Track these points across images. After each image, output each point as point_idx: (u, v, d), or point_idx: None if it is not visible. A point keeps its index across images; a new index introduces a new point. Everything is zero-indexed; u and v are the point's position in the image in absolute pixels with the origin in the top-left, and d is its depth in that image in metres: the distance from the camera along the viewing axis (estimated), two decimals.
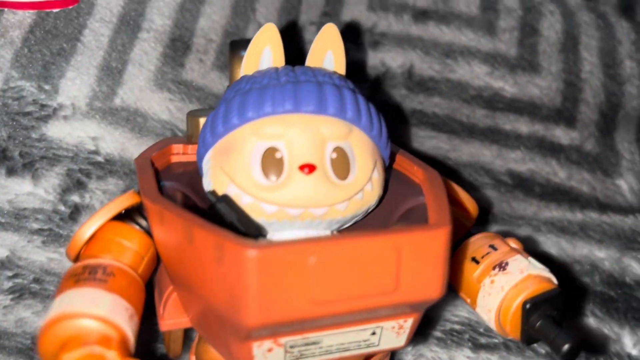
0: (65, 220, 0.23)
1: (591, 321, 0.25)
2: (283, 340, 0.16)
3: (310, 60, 0.19)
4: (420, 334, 0.24)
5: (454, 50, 0.31)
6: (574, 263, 0.27)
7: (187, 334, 0.21)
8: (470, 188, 0.28)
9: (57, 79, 0.25)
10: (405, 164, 0.20)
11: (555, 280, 0.18)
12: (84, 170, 0.24)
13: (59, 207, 0.23)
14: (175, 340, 0.20)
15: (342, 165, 0.17)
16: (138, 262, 0.17)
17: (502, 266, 0.19)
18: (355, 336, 0.17)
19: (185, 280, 0.17)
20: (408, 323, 0.17)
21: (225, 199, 0.17)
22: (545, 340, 0.17)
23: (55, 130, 0.24)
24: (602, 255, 0.27)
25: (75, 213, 0.23)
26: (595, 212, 0.28)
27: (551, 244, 0.27)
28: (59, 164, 0.24)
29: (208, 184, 0.18)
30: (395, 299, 0.16)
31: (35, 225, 0.22)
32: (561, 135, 0.30)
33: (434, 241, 0.15)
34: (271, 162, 0.17)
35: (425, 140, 0.28)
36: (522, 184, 0.28)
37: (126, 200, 0.18)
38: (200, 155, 0.18)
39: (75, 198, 0.23)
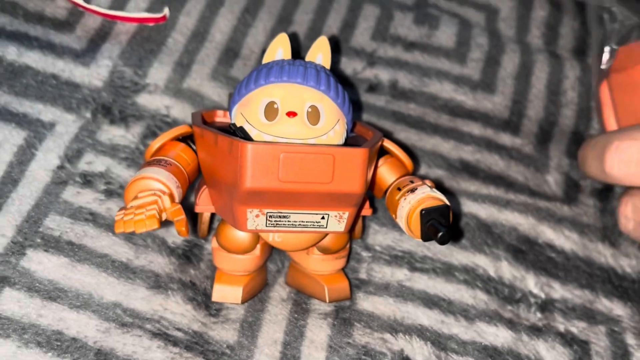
0: (142, 154, 0.34)
1: (504, 264, 0.34)
2: (265, 210, 0.27)
3: (308, 58, 0.30)
4: (373, 258, 0.33)
5: (430, 72, 0.41)
6: (496, 223, 0.36)
7: (211, 225, 0.32)
8: (429, 167, 0.38)
9: (146, 68, 0.37)
10: (364, 130, 0.30)
11: (447, 202, 0.28)
12: (158, 125, 0.35)
13: (139, 146, 0.34)
14: (204, 222, 0.31)
15: (314, 116, 0.28)
16: (185, 164, 0.28)
17: (412, 190, 0.28)
18: (311, 217, 0.27)
19: (212, 170, 0.27)
20: (345, 215, 0.27)
21: (241, 128, 0.28)
22: (433, 234, 0.27)
23: (142, 99, 0.36)
24: (522, 221, 0.36)
25: None
26: (526, 196, 0.37)
27: (483, 210, 0.36)
28: (142, 120, 0.35)
29: (232, 122, 0.29)
30: (332, 188, 0.26)
31: (122, 155, 0.34)
32: (506, 139, 0.39)
33: (354, 155, 0.26)
34: (270, 110, 0.28)
35: (401, 132, 0.39)
36: (469, 169, 0.38)
37: (182, 128, 0.29)
38: (230, 108, 0.30)
39: (149, 141, 0.35)
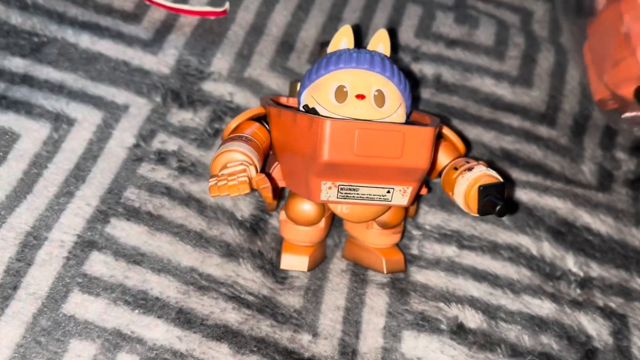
0: (210, 136, 0.37)
1: (545, 244, 0.37)
2: (337, 182, 0.29)
3: (369, 48, 0.33)
4: (424, 236, 0.36)
5: (471, 67, 0.44)
6: (537, 207, 0.38)
7: (279, 202, 0.34)
8: (471, 156, 0.40)
9: (210, 57, 0.40)
10: (420, 117, 0.33)
11: (501, 179, 0.31)
12: (223, 110, 0.38)
13: (207, 129, 0.37)
14: (275, 196, 0.33)
15: (380, 99, 0.30)
16: (261, 141, 0.31)
17: (470, 169, 0.31)
18: (377, 191, 0.30)
19: (287, 146, 0.30)
20: (409, 190, 0.30)
21: (313, 109, 0.30)
22: (490, 208, 0.29)
23: (208, 86, 0.39)
24: (561, 205, 0.38)
25: (216, 134, 0.37)
26: (562, 183, 0.40)
27: (524, 194, 0.39)
28: (209, 105, 0.38)
29: (303, 104, 0.31)
30: (400, 163, 0.28)
31: (192, 136, 0.36)
32: (543, 131, 0.42)
33: (422, 134, 0.28)
34: (340, 93, 0.30)
35: (444, 122, 0.41)
36: (510, 157, 0.40)
37: (257, 110, 0.32)
38: (300, 92, 0.32)
39: (216, 125, 0.37)
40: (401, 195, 0.30)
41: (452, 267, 0.34)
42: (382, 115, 0.30)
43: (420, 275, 0.34)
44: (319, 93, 0.30)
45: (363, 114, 0.30)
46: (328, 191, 0.29)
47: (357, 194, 0.30)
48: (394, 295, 0.33)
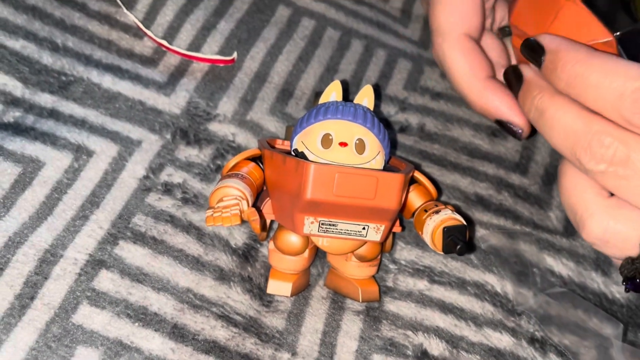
0: (212, 171, 0.41)
1: (509, 283, 0.40)
2: (319, 218, 0.33)
3: (356, 100, 0.38)
4: (399, 270, 0.40)
5: (453, 118, 0.48)
6: (504, 249, 0.42)
7: (269, 233, 0.39)
8: (448, 199, 0.44)
9: (217, 101, 0.45)
10: (398, 163, 0.37)
11: (464, 222, 0.34)
12: (225, 149, 0.42)
13: (210, 165, 0.41)
14: (264, 228, 0.37)
15: (360, 147, 0.35)
16: (255, 178, 0.35)
17: (437, 212, 0.35)
18: (354, 227, 0.34)
19: (277, 185, 0.34)
20: (382, 227, 0.34)
21: (302, 153, 0.35)
22: (452, 247, 0.33)
23: (213, 126, 0.43)
24: (526, 249, 0.42)
25: (217, 169, 0.41)
26: (530, 228, 0.44)
27: (493, 237, 0.42)
28: (213, 144, 0.42)
29: (294, 148, 0.36)
30: (374, 204, 0.32)
31: (196, 170, 0.41)
32: (515, 179, 0.46)
33: (394, 179, 0.32)
34: (326, 140, 0.35)
35: (426, 167, 0.45)
36: (483, 202, 0.44)
37: (253, 151, 0.36)
38: (292, 137, 0.37)
39: (218, 162, 0.42)
40: (375, 232, 0.34)
41: (422, 300, 0.38)
42: (362, 161, 0.34)
43: (392, 305, 0.38)
44: (308, 139, 0.35)
45: (345, 159, 0.34)
46: (310, 225, 0.33)
47: (336, 229, 0.34)
48: (367, 322, 0.36)
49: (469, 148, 0.47)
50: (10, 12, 0.44)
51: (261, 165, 0.36)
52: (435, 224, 0.34)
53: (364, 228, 0.34)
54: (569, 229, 0.44)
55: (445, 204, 0.36)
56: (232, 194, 0.32)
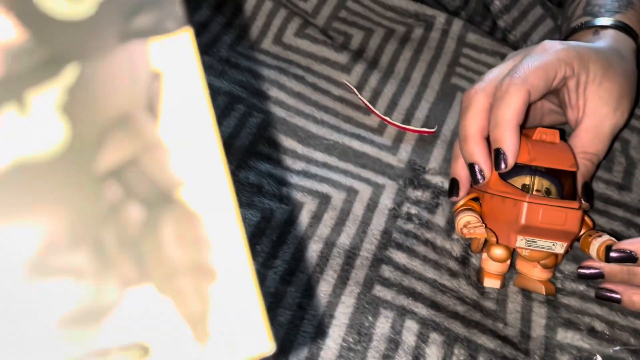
0: (433, 207, 0.62)
1: None
2: (526, 237, 0.53)
3: None
4: (564, 276, 0.59)
5: None
6: None
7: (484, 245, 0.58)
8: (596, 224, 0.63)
9: (427, 159, 0.66)
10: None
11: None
12: (438, 192, 0.63)
13: (431, 202, 0.62)
14: (480, 243, 0.57)
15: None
16: (477, 211, 0.55)
17: (600, 236, 0.54)
18: (548, 244, 0.53)
19: (495, 215, 0.54)
20: (565, 245, 0.53)
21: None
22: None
23: (428, 177, 0.64)
24: None
25: (436, 206, 0.62)
26: None
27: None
28: (430, 188, 0.63)
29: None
30: (563, 228, 0.52)
31: (423, 206, 0.62)
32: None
33: (577, 214, 0.52)
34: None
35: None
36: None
37: (473, 194, 0.57)
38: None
39: (436, 200, 0.62)
40: (561, 247, 0.53)
41: (583, 296, 0.57)
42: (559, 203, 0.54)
43: (564, 299, 0.56)
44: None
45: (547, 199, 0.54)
46: (520, 241, 0.53)
47: (536, 244, 0.53)
48: (549, 308, 0.55)
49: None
50: (286, 97, 0.67)
51: (479, 202, 0.56)
52: (599, 244, 0.53)
53: (553, 244, 0.53)
54: None
55: (603, 231, 0.55)
56: (477, 219, 0.53)
